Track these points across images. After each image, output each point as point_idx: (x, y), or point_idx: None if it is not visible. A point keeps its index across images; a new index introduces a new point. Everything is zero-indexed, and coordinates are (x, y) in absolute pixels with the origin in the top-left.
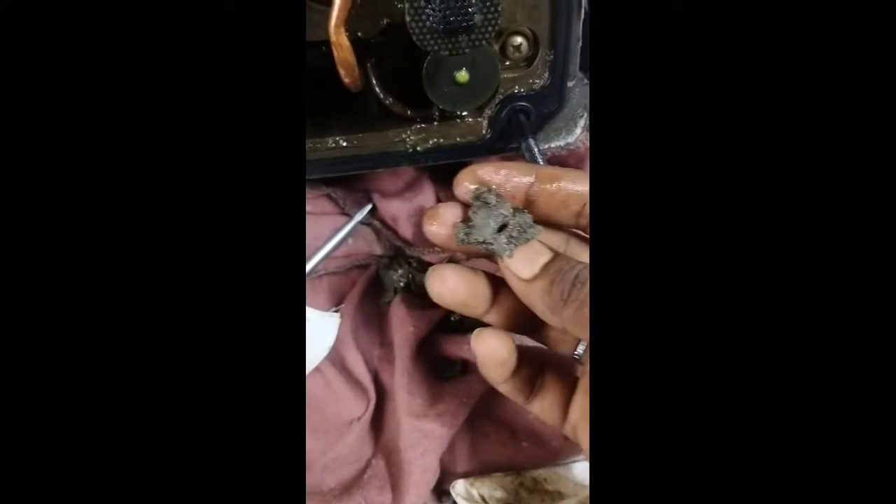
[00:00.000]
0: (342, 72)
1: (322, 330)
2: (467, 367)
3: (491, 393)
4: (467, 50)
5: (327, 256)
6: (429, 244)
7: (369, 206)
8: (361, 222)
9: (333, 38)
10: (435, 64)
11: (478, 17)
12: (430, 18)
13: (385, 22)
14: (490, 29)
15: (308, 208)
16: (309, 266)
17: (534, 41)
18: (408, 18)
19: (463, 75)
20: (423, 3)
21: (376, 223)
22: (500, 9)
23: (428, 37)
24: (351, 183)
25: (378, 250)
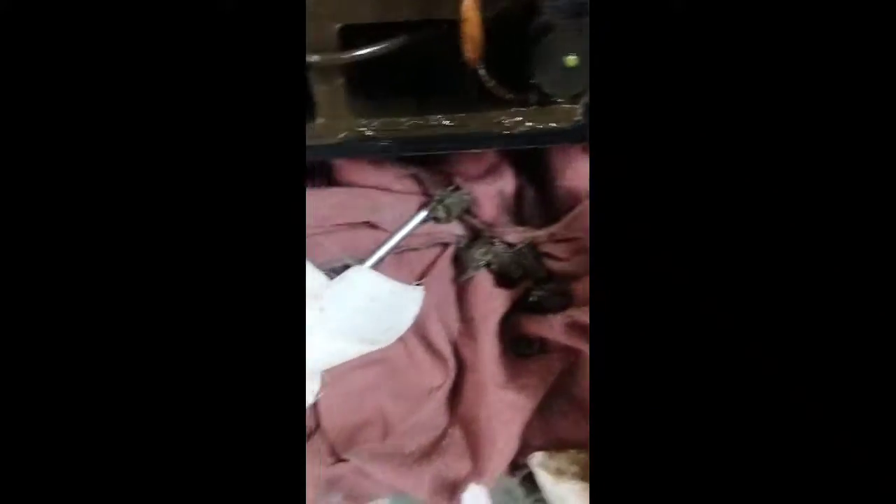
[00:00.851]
0: (468, 47)
1: (406, 301)
2: (546, 346)
3: (568, 373)
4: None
5: (408, 236)
6: (510, 224)
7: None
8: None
9: (469, 13)
10: (548, 47)
11: None
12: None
13: (505, 4)
14: None
15: (396, 187)
16: (393, 241)
17: None
18: None
19: (572, 59)
20: None
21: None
22: None
23: (557, 14)
24: (435, 164)
25: (458, 230)
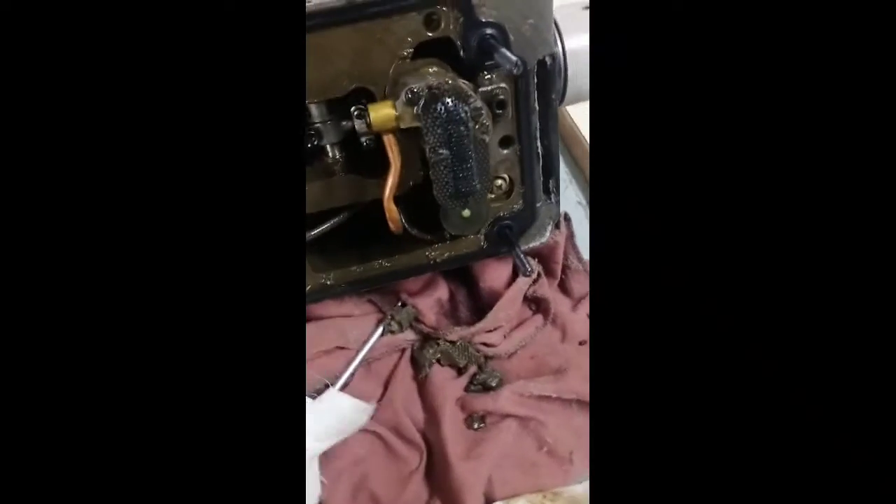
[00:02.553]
0: (391, 225)
1: (359, 416)
2: (493, 418)
3: (516, 437)
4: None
5: (371, 349)
6: (449, 326)
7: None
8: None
9: (386, 204)
10: (446, 209)
11: (478, 185)
12: (447, 187)
13: (412, 184)
14: (485, 190)
15: (356, 312)
16: (359, 357)
17: (510, 182)
18: (434, 191)
19: (466, 213)
20: (441, 176)
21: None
22: (492, 177)
23: (446, 199)
24: (385, 288)
25: (410, 336)
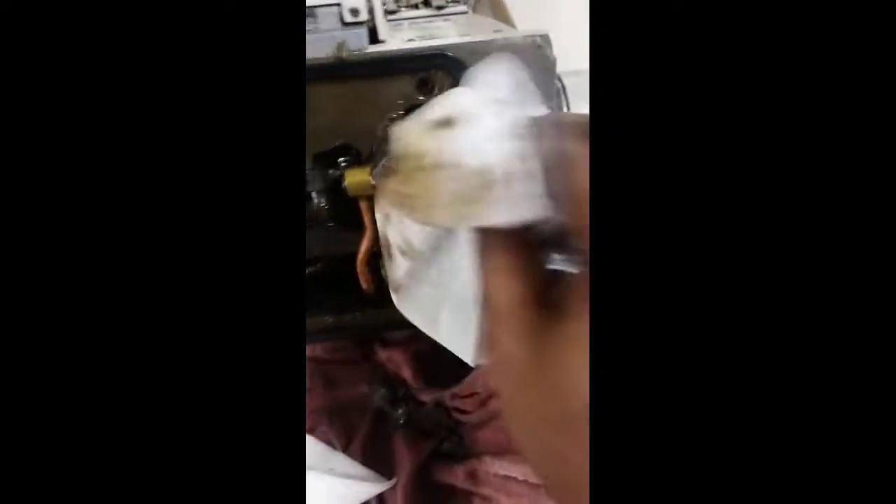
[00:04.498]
0: (363, 285)
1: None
2: (454, 493)
3: None
4: None
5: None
6: (423, 385)
7: None
8: None
9: (359, 267)
10: None
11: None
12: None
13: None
14: None
15: (328, 357)
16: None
17: None
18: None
19: None
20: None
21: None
22: None
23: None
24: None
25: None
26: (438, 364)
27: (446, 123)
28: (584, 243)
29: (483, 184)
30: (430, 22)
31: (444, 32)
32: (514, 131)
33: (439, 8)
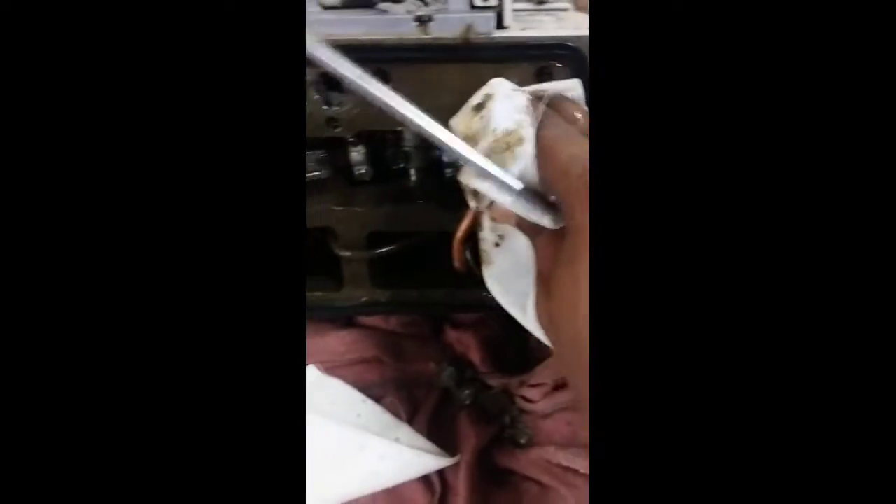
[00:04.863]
0: (456, 263)
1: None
2: (514, 477)
3: (531, 501)
4: None
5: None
6: (491, 370)
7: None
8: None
9: (456, 245)
10: None
11: None
12: None
13: None
14: None
15: (399, 329)
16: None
17: None
18: None
19: None
20: None
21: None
22: None
23: None
24: (436, 315)
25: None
26: (507, 351)
27: (480, 106)
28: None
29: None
30: (532, 16)
31: (545, 27)
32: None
33: (540, 2)
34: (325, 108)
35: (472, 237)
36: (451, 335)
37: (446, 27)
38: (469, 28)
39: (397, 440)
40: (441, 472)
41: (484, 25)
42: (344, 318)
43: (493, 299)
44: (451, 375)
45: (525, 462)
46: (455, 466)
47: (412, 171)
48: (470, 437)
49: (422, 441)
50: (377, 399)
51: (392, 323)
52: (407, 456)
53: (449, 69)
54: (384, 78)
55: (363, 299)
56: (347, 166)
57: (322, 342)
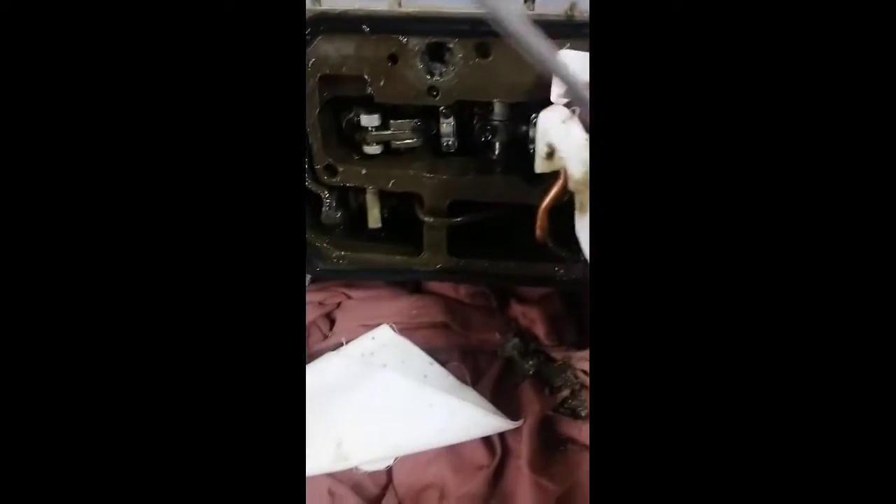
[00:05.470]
0: (538, 233)
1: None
2: (574, 445)
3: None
4: None
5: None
6: (555, 343)
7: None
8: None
9: (541, 213)
10: None
11: None
12: None
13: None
14: None
15: (466, 300)
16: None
17: None
18: None
19: None
20: None
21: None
22: None
23: None
24: (502, 286)
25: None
26: (571, 327)
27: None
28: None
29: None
30: None
31: None
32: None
33: None
34: (428, 77)
35: (557, 208)
36: (517, 309)
37: (551, 4)
38: (574, 6)
39: (463, 401)
40: (502, 436)
41: (586, 5)
42: (414, 284)
43: (562, 275)
44: (515, 346)
45: (587, 433)
46: (517, 431)
47: (497, 145)
48: (533, 405)
49: (487, 404)
50: (443, 363)
51: (461, 293)
52: (475, 415)
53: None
54: (486, 49)
55: (438, 266)
56: (436, 136)
57: (396, 304)
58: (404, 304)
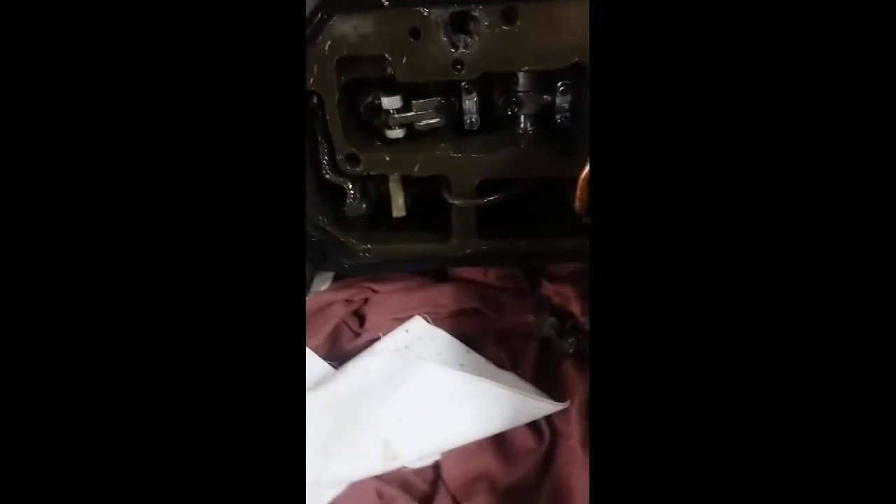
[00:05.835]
0: (578, 204)
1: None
2: None
3: None
4: None
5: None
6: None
7: None
8: None
9: (582, 183)
10: None
11: None
12: None
13: None
14: None
15: (496, 283)
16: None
17: None
18: None
19: None
20: None
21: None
22: None
23: None
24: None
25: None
26: None
27: None
28: None
29: None
30: None
31: None
32: None
33: None
34: (452, 51)
35: None
36: (549, 288)
37: None
38: None
39: (507, 387)
40: (549, 419)
41: None
42: (439, 272)
43: None
44: (552, 325)
45: None
46: (565, 412)
47: (522, 118)
48: (578, 385)
49: (531, 388)
50: (479, 349)
51: (490, 276)
52: (520, 400)
53: (572, 8)
54: (512, 15)
55: (469, 251)
56: (459, 114)
57: (424, 294)
58: (433, 293)
